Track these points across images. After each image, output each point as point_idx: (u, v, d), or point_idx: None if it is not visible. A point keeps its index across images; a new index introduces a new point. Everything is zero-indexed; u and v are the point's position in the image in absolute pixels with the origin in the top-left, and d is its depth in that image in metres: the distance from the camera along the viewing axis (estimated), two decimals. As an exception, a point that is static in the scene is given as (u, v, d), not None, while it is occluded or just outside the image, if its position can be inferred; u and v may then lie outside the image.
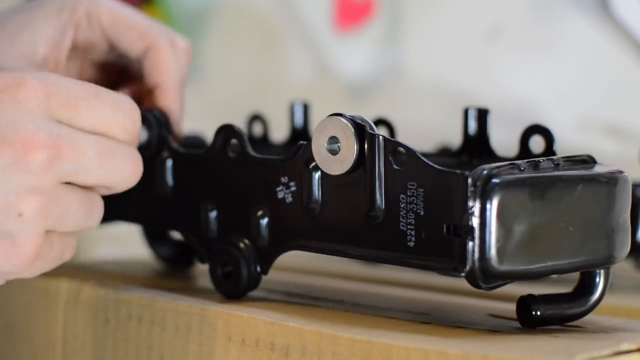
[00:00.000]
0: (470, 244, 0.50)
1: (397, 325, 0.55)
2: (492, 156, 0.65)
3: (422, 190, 0.52)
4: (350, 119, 0.54)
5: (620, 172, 0.54)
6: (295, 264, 0.77)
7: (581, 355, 0.48)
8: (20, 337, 0.67)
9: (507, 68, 0.96)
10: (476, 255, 0.50)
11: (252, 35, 1.16)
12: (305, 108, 0.75)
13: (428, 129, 0.79)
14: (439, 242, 0.51)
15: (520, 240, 0.51)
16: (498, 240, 0.50)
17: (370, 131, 0.54)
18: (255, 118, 0.76)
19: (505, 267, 0.50)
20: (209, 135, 0.76)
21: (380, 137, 0.53)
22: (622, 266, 0.59)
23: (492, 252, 0.50)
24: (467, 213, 0.50)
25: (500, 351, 0.48)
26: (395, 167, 0.53)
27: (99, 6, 0.62)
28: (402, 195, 0.53)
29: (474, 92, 0.97)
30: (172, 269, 0.73)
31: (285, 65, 1.12)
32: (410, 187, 0.52)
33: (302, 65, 1.10)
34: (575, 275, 0.56)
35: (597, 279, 0.55)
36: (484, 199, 0.50)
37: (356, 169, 0.54)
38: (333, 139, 0.55)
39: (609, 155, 0.86)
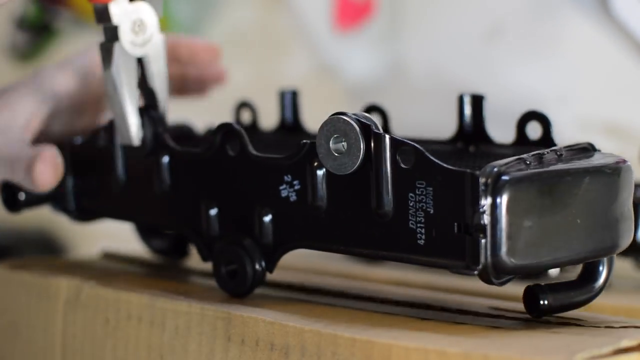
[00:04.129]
0: (483, 241, 0.50)
1: (396, 325, 0.54)
2: (488, 142, 0.64)
3: (431, 188, 0.52)
4: (355, 118, 0.54)
5: (624, 161, 0.54)
6: (295, 264, 0.77)
7: (582, 354, 0.48)
8: (20, 337, 0.67)
9: (507, 68, 0.96)
10: (488, 252, 0.50)
11: (252, 35, 1.16)
12: (294, 95, 0.74)
13: (428, 128, 0.78)
14: (450, 240, 0.51)
15: (530, 234, 0.51)
16: (509, 236, 0.50)
17: (375, 130, 0.54)
18: (243, 105, 0.76)
19: (517, 262, 0.51)
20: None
21: (387, 136, 0.53)
22: (622, 266, 0.59)
23: (504, 248, 0.50)
24: (478, 211, 0.50)
25: (501, 350, 0.48)
26: (402, 165, 0.53)
27: None
28: (410, 194, 0.53)
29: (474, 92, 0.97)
30: (167, 261, 0.72)
31: (286, 64, 1.12)
32: (419, 185, 0.52)
33: (302, 65, 1.10)
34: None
35: (601, 267, 0.55)
36: (495, 196, 0.50)
37: (362, 168, 0.54)
38: (338, 139, 0.54)
39: (609, 155, 0.86)
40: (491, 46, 0.97)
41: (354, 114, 0.54)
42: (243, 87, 1.15)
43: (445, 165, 0.52)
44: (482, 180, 0.50)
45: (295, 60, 1.11)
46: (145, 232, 0.73)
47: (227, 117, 0.70)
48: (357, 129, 0.54)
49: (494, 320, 0.57)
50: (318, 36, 1.07)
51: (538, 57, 0.95)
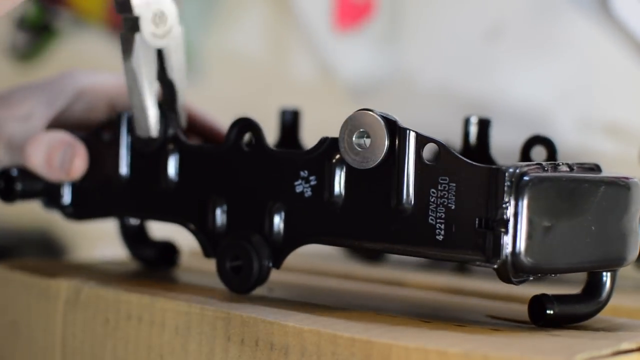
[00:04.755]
0: (504, 237, 0.51)
1: (396, 325, 0.54)
2: (492, 164, 0.65)
3: (454, 184, 0.52)
4: (380, 114, 0.55)
5: (632, 178, 0.55)
6: (295, 264, 0.77)
7: (581, 355, 0.48)
8: (20, 337, 0.67)
9: (507, 68, 0.96)
10: (508, 248, 0.51)
11: (252, 35, 1.16)
12: (295, 114, 0.75)
13: (428, 129, 0.79)
14: (470, 236, 0.52)
15: (549, 235, 0.52)
16: (529, 234, 0.51)
17: (401, 126, 0.54)
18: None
19: (535, 262, 0.51)
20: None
21: (412, 132, 0.54)
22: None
23: (524, 246, 0.51)
24: (501, 207, 0.51)
25: (501, 350, 0.48)
26: (426, 162, 0.53)
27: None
28: (432, 190, 0.53)
29: (474, 93, 0.97)
30: (153, 270, 0.72)
31: (286, 65, 1.12)
32: (441, 181, 0.53)
33: (302, 65, 1.10)
34: (569, 275, 0.56)
35: (605, 280, 0.56)
36: (518, 194, 0.51)
37: (384, 163, 0.54)
38: (361, 133, 0.55)
39: (609, 155, 0.86)
40: (491, 46, 0.97)
41: (379, 111, 0.55)
42: (240, 88, 1.15)
43: (471, 162, 0.52)
44: (507, 177, 0.51)
45: (294, 60, 1.11)
46: (132, 241, 0.72)
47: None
48: (383, 123, 0.54)
49: (494, 321, 0.57)
50: (318, 36, 1.07)
51: (538, 57, 0.95)
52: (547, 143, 0.63)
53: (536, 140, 0.63)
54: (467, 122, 0.66)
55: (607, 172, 0.56)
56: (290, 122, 0.74)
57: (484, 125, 0.66)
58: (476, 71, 0.98)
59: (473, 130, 0.66)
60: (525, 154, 0.64)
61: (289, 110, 0.75)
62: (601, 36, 0.91)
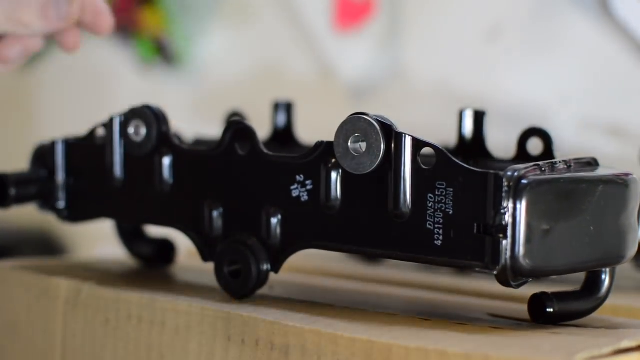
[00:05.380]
0: (504, 242, 0.51)
1: (397, 325, 0.54)
2: (488, 157, 0.65)
3: (451, 189, 0.52)
4: (376, 118, 0.54)
5: (630, 174, 0.55)
6: (295, 264, 0.77)
7: (582, 354, 0.48)
8: (20, 337, 0.67)
9: (507, 68, 0.96)
10: (508, 253, 0.51)
11: (251, 35, 1.16)
12: (289, 107, 0.74)
13: (427, 129, 0.79)
14: (469, 241, 0.52)
15: (547, 238, 0.51)
16: (529, 238, 0.51)
17: (397, 131, 0.54)
18: (234, 115, 0.76)
19: (535, 265, 0.51)
20: (205, 135, 0.76)
21: (408, 136, 0.54)
22: (623, 266, 0.60)
23: (524, 250, 0.51)
24: (500, 212, 0.50)
25: (501, 350, 0.48)
26: (423, 166, 0.53)
27: None
28: (429, 195, 0.53)
29: (474, 93, 0.97)
30: (150, 268, 0.71)
31: (285, 65, 1.12)
32: (439, 186, 0.53)
33: (302, 65, 1.10)
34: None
35: (604, 277, 0.56)
36: (516, 198, 0.50)
37: (380, 168, 0.54)
38: (357, 138, 0.55)
39: (609, 155, 0.86)
40: (491, 46, 0.97)
41: (375, 115, 0.54)
42: (241, 87, 1.15)
43: (468, 166, 0.52)
44: (505, 181, 0.51)
45: (294, 59, 1.11)
46: (128, 238, 0.71)
47: (218, 127, 0.69)
48: (378, 128, 0.54)
49: (494, 320, 0.57)
50: (318, 36, 1.07)
51: (538, 57, 0.95)
52: (543, 135, 0.62)
53: (532, 132, 0.63)
54: (461, 116, 0.66)
55: (605, 167, 0.56)
56: (283, 115, 0.74)
57: (479, 117, 0.66)
58: (476, 71, 0.98)
59: (468, 123, 0.66)
60: (521, 147, 0.63)
61: (282, 103, 0.74)
62: (601, 36, 0.91)
